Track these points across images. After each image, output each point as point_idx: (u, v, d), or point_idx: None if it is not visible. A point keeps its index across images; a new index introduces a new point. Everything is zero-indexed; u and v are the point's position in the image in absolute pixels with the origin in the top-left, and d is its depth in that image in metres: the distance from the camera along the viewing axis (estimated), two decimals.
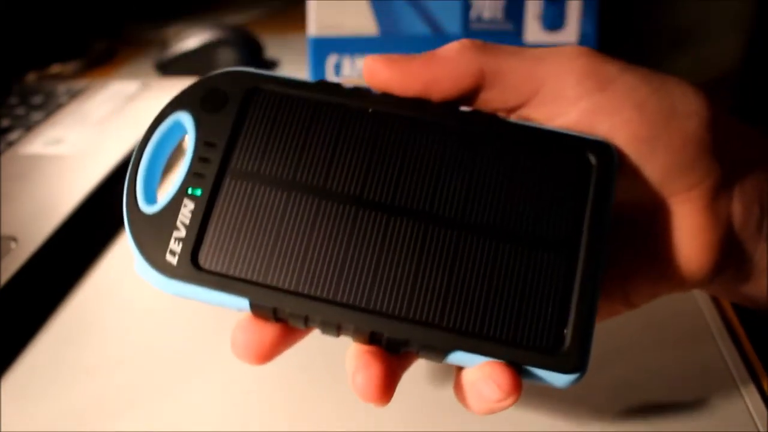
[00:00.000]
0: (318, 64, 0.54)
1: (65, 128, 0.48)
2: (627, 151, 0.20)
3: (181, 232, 0.20)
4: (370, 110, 0.21)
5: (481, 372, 0.19)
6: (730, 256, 0.22)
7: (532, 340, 0.19)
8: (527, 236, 0.20)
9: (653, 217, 0.21)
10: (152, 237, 0.20)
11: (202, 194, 0.20)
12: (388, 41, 0.53)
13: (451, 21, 0.52)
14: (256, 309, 0.20)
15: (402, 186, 0.20)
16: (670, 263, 0.21)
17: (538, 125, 0.21)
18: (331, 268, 0.20)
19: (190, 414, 0.27)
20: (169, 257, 0.20)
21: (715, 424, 0.25)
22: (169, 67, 0.61)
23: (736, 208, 0.21)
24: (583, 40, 0.52)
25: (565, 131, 0.21)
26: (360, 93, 0.21)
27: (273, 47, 0.66)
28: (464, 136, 0.21)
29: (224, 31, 0.61)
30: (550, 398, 0.26)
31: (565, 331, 0.19)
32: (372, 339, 0.19)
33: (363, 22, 0.53)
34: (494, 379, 0.18)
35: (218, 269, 0.20)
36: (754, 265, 0.22)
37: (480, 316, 0.19)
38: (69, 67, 0.65)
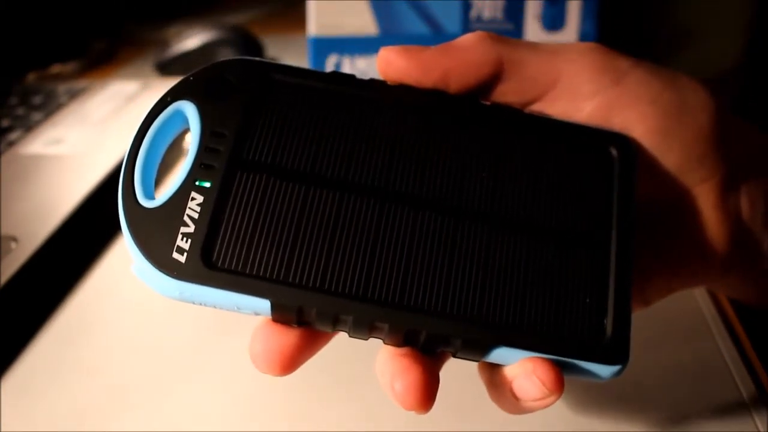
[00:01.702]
0: (318, 64, 0.54)
1: (65, 128, 0.48)
2: (643, 144, 0.20)
3: (190, 228, 0.18)
4: (386, 101, 0.20)
5: (522, 369, 0.18)
6: (740, 250, 0.22)
7: (574, 332, 0.18)
8: (558, 228, 0.19)
9: (668, 211, 0.21)
10: (155, 233, 0.18)
11: (211, 186, 0.18)
12: (388, 41, 0.53)
13: (451, 21, 0.52)
14: (279, 311, 0.18)
15: (427, 179, 0.19)
16: (685, 257, 0.21)
17: (558, 119, 0.21)
18: (359, 263, 0.18)
19: (191, 414, 0.27)
20: (176, 255, 0.18)
21: (715, 424, 0.25)
22: (169, 67, 0.61)
23: (744, 203, 0.22)
24: (583, 41, 0.52)
25: (584, 125, 0.20)
26: (375, 85, 0.20)
27: (273, 47, 0.66)
28: (486, 128, 0.20)
29: (224, 31, 0.61)
30: None
31: (605, 321, 0.18)
32: (407, 339, 0.18)
33: (363, 22, 0.53)
34: (537, 375, 0.17)
35: (233, 267, 0.18)
36: (763, 260, 0.22)
37: (519, 309, 0.18)
38: (69, 67, 0.65)
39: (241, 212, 0.18)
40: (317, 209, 0.19)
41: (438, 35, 0.53)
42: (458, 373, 0.28)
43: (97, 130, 0.47)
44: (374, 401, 0.27)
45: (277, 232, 0.18)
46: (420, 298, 0.18)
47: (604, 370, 0.18)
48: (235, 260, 0.18)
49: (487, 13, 0.52)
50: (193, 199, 0.18)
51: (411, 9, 0.52)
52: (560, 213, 0.19)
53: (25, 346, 0.31)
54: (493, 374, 0.19)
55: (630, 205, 0.20)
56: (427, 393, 0.18)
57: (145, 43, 0.71)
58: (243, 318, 0.31)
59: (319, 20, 0.53)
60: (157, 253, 0.18)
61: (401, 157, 0.19)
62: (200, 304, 0.18)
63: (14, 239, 0.34)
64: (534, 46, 0.21)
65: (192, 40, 0.61)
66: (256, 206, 0.18)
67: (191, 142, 0.19)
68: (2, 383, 0.29)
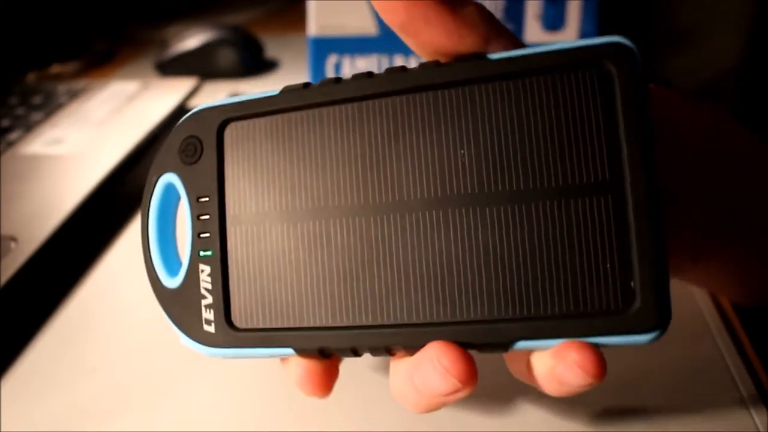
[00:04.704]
0: (318, 64, 0.54)
1: (65, 128, 0.48)
2: None
3: (209, 299, 0.20)
4: (344, 102, 0.19)
5: (559, 357, 0.16)
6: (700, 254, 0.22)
7: (597, 305, 0.16)
8: (559, 188, 0.17)
9: None
10: (184, 311, 0.20)
11: (213, 254, 0.20)
12: (388, 41, 0.53)
13: None
14: (302, 354, 0.19)
15: (405, 176, 0.18)
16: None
17: (533, 49, 0.17)
18: (361, 290, 0.18)
19: (190, 414, 0.27)
20: (206, 327, 0.20)
21: (715, 425, 0.25)
22: (169, 67, 0.61)
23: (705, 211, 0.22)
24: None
25: (568, 44, 0.17)
26: (327, 86, 0.19)
27: (273, 47, 0.66)
28: (452, 94, 0.18)
29: (224, 31, 0.61)
30: (547, 397, 0.26)
31: (632, 284, 0.16)
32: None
33: (363, 22, 0.53)
34: (578, 364, 0.16)
35: (254, 325, 0.19)
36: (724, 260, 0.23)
37: (533, 296, 0.17)
38: (69, 67, 0.65)
39: (243, 270, 0.19)
40: (307, 245, 0.19)
41: None
42: None
43: (97, 130, 0.47)
44: (374, 402, 0.27)
45: (280, 279, 0.19)
46: (427, 312, 0.18)
47: (641, 339, 0.16)
48: (253, 318, 0.19)
49: None
50: (202, 271, 0.20)
51: None
52: (559, 168, 0.17)
53: (25, 346, 0.31)
54: (529, 362, 0.18)
55: (642, 129, 0.16)
56: (469, 365, 0.17)
57: (145, 43, 0.71)
58: None
59: (319, 20, 0.53)
60: (192, 328, 0.20)
61: (372, 162, 0.18)
62: (243, 358, 0.20)
63: (14, 239, 0.34)
64: (518, 40, 0.20)
65: (192, 40, 0.61)
66: (254, 259, 0.19)
67: (186, 213, 0.20)
68: (2, 383, 0.29)
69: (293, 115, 0.19)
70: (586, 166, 0.17)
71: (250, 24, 0.73)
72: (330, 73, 0.54)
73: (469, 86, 0.18)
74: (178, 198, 0.21)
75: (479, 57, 0.18)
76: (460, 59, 0.18)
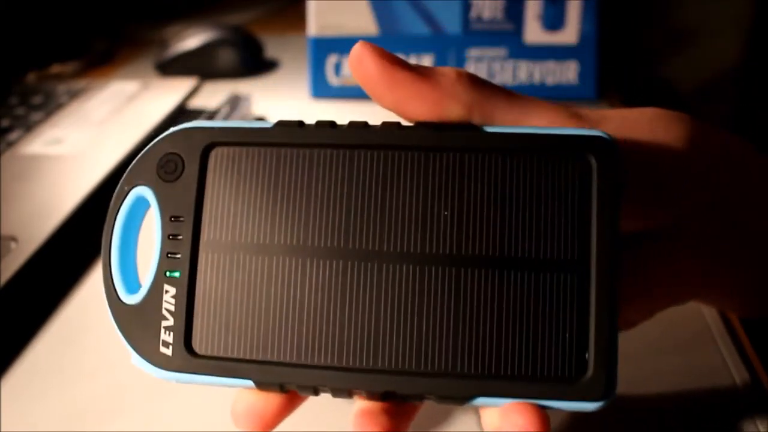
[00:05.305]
0: (318, 64, 0.54)
1: (65, 128, 0.48)
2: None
3: (170, 321, 0.19)
4: (334, 145, 0.19)
5: (505, 418, 0.18)
6: (715, 265, 0.22)
7: (552, 371, 0.18)
8: (530, 260, 0.18)
9: (646, 239, 0.21)
10: (141, 330, 0.19)
11: (180, 276, 0.19)
12: (388, 41, 0.53)
13: (451, 21, 0.52)
14: (262, 387, 0.19)
15: (387, 228, 0.19)
16: (662, 279, 0.21)
17: (523, 129, 0.19)
18: (330, 332, 0.18)
19: (190, 414, 0.27)
20: (163, 349, 0.19)
21: (716, 426, 0.25)
22: (169, 67, 0.61)
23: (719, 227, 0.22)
24: (583, 40, 0.52)
25: (555, 131, 0.19)
26: (322, 127, 0.20)
27: (273, 47, 0.66)
28: (444, 158, 0.19)
29: (224, 31, 0.61)
30: None
31: (586, 355, 0.18)
32: (385, 397, 0.19)
33: (363, 22, 0.53)
34: (521, 427, 0.17)
35: (215, 353, 0.19)
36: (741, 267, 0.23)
37: (494, 356, 0.18)
38: (69, 67, 0.65)
39: (211, 296, 0.19)
40: (281, 281, 0.19)
41: (438, 35, 0.53)
42: None
43: (97, 130, 0.47)
44: None
45: (248, 310, 0.19)
46: (392, 360, 0.18)
47: (588, 406, 0.18)
48: (215, 346, 0.19)
49: (487, 13, 0.52)
50: (166, 291, 0.19)
51: (411, 9, 0.52)
52: (533, 242, 0.18)
53: (25, 346, 0.31)
54: (483, 411, 0.19)
55: (613, 219, 0.18)
56: None
57: (145, 43, 0.71)
58: None
59: (319, 20, 0.53)
60: (147, 348, 0.19)
61: (357, 210, 0.19)
62: (196, 384, 0.19)
63: (14, 239, 0.34)
64: (509, 98, 0.20)
65: (192, 40, 0.61)
66: (224, 287, 0.19)
67: (155, 229, 0.20)
68: (2, 383, 0.29)
69: (284, 150, 0.19)
70: (558, 245, 0.18)
71: (250, 24, 0.73)
72: (330, 73, 0.54)
73: (460, 153, 0.19)
74: (145, 213, 0.21)
75: (474, 127, 0.19)
76: (456, 126, 0.19)
